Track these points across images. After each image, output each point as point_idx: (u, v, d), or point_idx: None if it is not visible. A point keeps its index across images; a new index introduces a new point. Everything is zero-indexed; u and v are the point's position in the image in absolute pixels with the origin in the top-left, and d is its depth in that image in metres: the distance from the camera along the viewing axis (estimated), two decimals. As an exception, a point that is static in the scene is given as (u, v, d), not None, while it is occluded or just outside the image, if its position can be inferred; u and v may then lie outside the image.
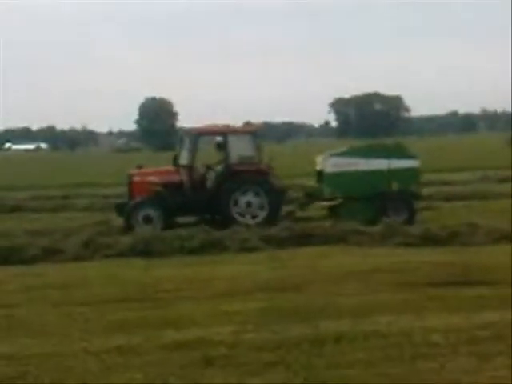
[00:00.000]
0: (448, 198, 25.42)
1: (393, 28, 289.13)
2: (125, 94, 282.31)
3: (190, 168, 20.36)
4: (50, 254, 15.99)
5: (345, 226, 17.46)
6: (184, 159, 20.55)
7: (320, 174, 20.83)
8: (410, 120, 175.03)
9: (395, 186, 20.01)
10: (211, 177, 20.58)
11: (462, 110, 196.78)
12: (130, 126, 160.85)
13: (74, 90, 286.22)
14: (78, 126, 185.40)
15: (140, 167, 21.24)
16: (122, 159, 65.47)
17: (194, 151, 20.35)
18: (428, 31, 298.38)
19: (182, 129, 59.09)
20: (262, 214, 19.77)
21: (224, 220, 19.54)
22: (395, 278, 12.27)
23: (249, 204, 19.81)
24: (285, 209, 20.72)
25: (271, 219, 19.34)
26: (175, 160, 20.55)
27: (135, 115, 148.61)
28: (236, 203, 19.74)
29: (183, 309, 10.86)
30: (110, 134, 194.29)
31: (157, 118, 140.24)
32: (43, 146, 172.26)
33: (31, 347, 8.97)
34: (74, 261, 15.58)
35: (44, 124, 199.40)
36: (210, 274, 13.51)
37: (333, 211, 20.37)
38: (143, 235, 16.92)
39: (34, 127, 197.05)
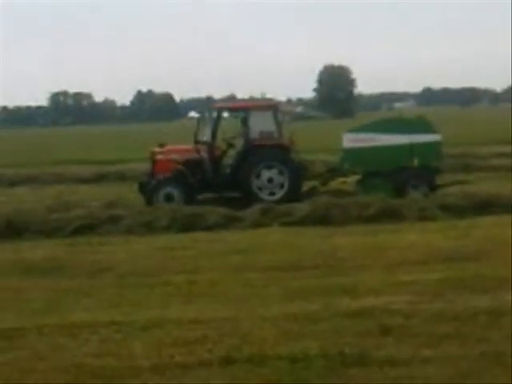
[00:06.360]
0: None
1: None
2: (304, 61, 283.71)
3: (211, 144, 20.14)
4: (230, 221, 16.48)
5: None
6: (205, 136, 20.34)
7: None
8: None
9: (416, 161, 19.42)
10: (232, 153, 20.42)
11: None
12: (309, 93, 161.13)
13: (253, 59, 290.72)
14: (257, 95, 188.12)
15: (162, 145, 20.97)
16: (302, 128, 65.68)
17: (214, 127, 20.14)
18: None
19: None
20: (283, 190, 19.52)
21: (245, 196, 19.36)
22: None
23: (270, 179, 19.56)
24: (309, 184, 20.50)
25: (292, 195, 19.13)
26: (196, 137, 20.28)
27: (314, 83, 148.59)
28: (257, 179, 19.51)
29: (360, 277, 10.89)
30: (289, 102, 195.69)
31: (335, 85, 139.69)
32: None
33: (211, 312, 9.26)
34: (252, 228, 15.97)
35: (225, 93, 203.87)
36: (388, 243, 13.46)
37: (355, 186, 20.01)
38: (321, 202, 17.04)
39: (216, 96, 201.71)
